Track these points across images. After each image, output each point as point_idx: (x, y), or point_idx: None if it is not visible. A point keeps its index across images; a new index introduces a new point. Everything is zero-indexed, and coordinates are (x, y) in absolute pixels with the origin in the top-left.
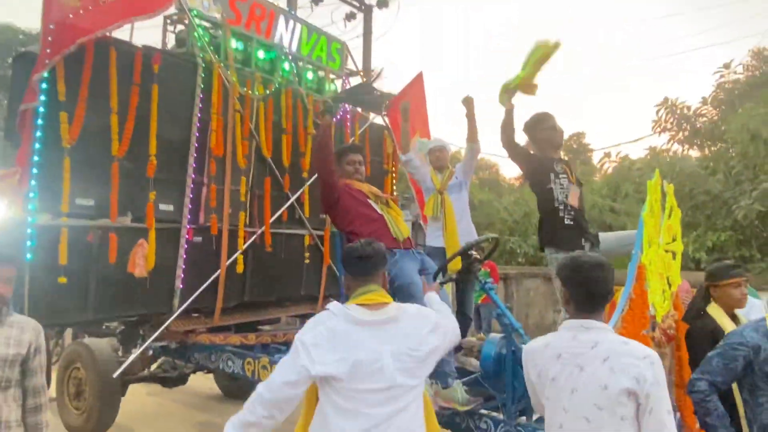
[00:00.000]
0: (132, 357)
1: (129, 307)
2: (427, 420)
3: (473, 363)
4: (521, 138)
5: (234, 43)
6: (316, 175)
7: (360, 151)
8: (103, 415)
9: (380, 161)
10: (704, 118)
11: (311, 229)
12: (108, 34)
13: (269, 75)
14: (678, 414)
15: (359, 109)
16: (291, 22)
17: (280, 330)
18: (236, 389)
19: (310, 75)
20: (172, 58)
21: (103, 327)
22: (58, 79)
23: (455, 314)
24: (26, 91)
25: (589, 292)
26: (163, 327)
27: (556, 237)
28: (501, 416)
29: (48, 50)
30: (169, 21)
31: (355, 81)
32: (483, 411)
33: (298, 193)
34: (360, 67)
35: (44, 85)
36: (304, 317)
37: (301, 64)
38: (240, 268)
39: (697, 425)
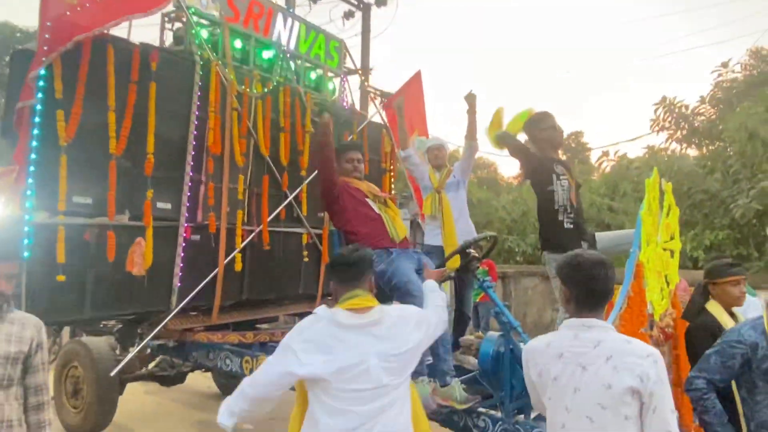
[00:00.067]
0: (130, 355)
1: (127, 306)
2: (416, 416)
3: (471, 361)
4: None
5: (236, 44)
6: (314, 174)
7: (359, 148)
8: (101, 413)
9: (378, 160)
10: (702, 117)
11: (309, 227)
12: (105, 31)
13: (267, 73)
14: (676, 413)
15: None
16: (289, 20)
17: (278, 328)
18: (234, 388)
19: (313, 75)
20: (169, 56)
21: (101, 325)
22: (55, 77)
23: (454, 312)
24: (23, 89)
25: (590, 291)
26: (161, 325)
27: (556, 240)
28: (499, 414)
29: (45, 47)
30: (167, 18)
31: (353, 79)
32: (481, 409)
33: (297, 191)
34: (358, 65)
35: (41, 83)
36: (302, 316)
37: (299, 62)
38: (238, 267)
39: (695, 423)
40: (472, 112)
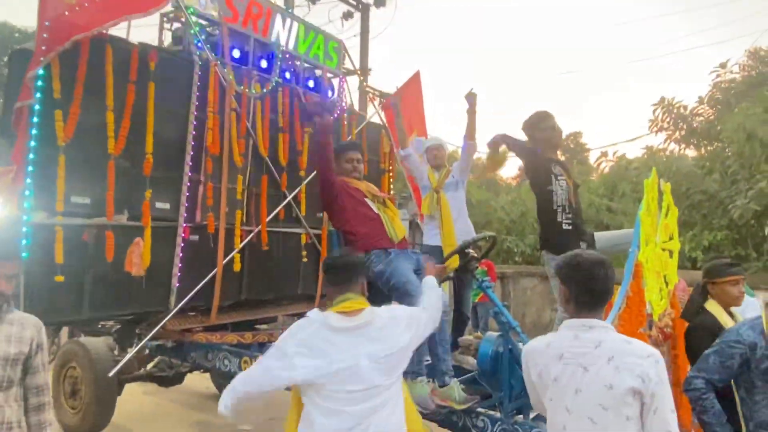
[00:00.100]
0: (128, 356)
1: (125, 306)
2: (408, 416)
3: (470, 361)
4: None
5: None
6: (313, 174)
7: (358, 148)
8: (99, 414)
9: (377, 160)
10: (701, 118)
11: (308, 227)
12: (104, 31)
13: (266, 73)
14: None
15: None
16: (288, 21)
17: (277, 329)
18: None
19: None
20: (168, 56)
21: (99, 326)
22: (54, 77)
23: (453, 312)
24: (21, 89)
25: (589, 291)
26: (159, 326)
27: (555, 240)
28: (498, 414)
29: (43, 47)
30: (165, 18)
31: (352, 80)
32: (480, 409)
33: (295, 191)
34: (357, 66)
35: (39, 83)
36: (300, 316)
37: (298, 62)
38: (237, 267)
39: (694, 423)
40: (472, 112)
